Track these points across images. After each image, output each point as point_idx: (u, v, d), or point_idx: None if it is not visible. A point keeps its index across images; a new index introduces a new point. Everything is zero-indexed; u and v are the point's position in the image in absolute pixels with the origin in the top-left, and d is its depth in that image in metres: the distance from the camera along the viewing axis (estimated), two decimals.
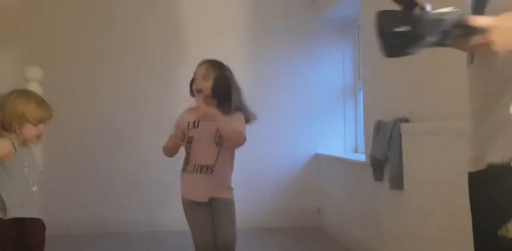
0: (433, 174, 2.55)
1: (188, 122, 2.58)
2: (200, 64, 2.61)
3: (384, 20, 1.20)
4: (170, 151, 2.61)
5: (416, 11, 1.19)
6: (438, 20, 1.10)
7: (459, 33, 1.10)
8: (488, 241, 1.22)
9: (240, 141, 2.52)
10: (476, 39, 1.10)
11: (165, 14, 4.40)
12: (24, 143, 2.34)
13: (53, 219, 2.73)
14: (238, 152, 4.37)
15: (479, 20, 1.09)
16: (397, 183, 2.82)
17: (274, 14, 4.34)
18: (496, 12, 1.12)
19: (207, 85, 2.53)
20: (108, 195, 4.28)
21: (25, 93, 2.36)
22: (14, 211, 2.29)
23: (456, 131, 2.35)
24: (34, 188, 2.35)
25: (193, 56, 4.27)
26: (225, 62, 2.64)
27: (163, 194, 4.23)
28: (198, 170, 2.53)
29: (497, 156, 1.17)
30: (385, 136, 2.90)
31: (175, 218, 3.92)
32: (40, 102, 2.35)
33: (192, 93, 2.61)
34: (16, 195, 2.30)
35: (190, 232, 2.55)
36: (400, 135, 2.81)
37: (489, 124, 1.20)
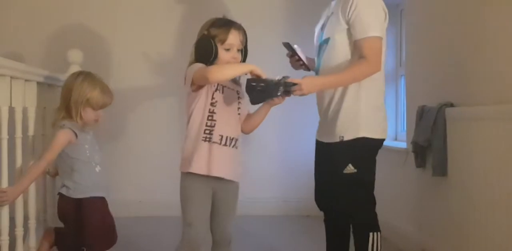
0: (479, 161, 2.48)
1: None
2: (235, 28, 2.25)
3: (250, 81, 2.15)
4: (228, 73, 2.14)
5: (267, 79, 2.15)
6: (277, 82, 2.14)
7: (287, 87, 2.17)
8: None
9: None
10: (295, 89, 2.19)
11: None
12: (84, 126, 2.38)
13: None
14: (277, 139, 4.44)
15: (294, 80, 2.19)
16: (441, 169, 2.76)
17: None
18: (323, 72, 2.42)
19: (240, 57, 2.27)
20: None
21: (91, 78, 2.40)
22: (78, 192, 2.34)
23: (504, 116, 2.29)
24: (97, 169, 2.41)
25: None
26: None
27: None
28: (227, 142, 2.20)
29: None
30: (429, 121, 2.83)
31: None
32: (105, 88, 2.40)
33: (211, 54, 2.21)
34: (81, 177, 2.35)
35: (184, 215, 2.20)
36: (445, 120, 2.74)
37: None
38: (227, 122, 2.22)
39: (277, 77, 2.14)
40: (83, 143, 2.38)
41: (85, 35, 4.39)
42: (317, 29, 2.58)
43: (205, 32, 2.25)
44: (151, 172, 4.38)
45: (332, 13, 2.44)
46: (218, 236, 2.28)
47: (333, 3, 2.52)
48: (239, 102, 2.30)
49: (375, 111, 2.39)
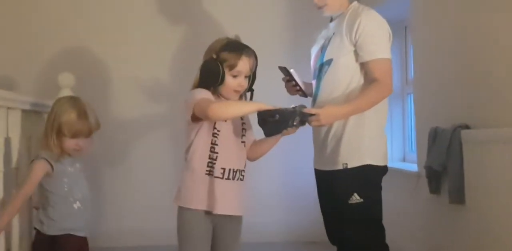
0: (500, 187, 2.28)
1: None
2: (247, 55, 2.10)
3: (262, 113, 1.99)
4: (234, 112, 2.00)
5: (281, 108, 1.99)
6: (292, 111, 2.00)
7: (304, 117, 2.03)
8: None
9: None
10: (312, 119, 2.08)
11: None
12: (64, 156, 2.19)
13: None
14: (275, 163, 4.23)
15: (312, 110, 2.10)
16: (458, 196, 2.55)
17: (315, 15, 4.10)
18: (321, 103, 2.28)
19: (246, 84, 2.13)
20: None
21: (72, 102, 2.23)
22: (52, 228, 2.18)
23: None
24: (76, 205, 2.22)
25: None
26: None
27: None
28: (229, 175, 2.05)
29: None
30: (443, 144, 2.64)
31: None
32: (83, 114, 2.19)
33: (217, 79, 2.06)
34: (55, 212, 2.18)
35: None
36: (461, 143, 2.55)
37: None
38: (231, 154, 2.07)
39: (292, 106, 2.02)
40: (61, 176, 2.20)
41: (81, 60, 4.23)
42: (315, 50, 2.46)
43: (214, 56, 2.09)
44: (151, 200, 4.18)
45: (334, 33, 2.34)
46: None
47: (331, 24, 2.41)
48: (243, 130, 2.14)
49: (379, 137, 2.30)
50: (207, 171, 2.03)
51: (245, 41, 2.17)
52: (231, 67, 2.06)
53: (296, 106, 2.02)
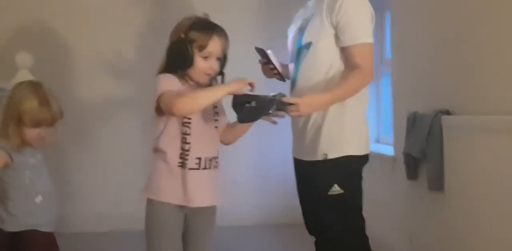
0: (480, 175, 2.23)
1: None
2: (218, 34, 1.92)
3: (238, 98, 1.87)
4: (201, 103, 1.83)
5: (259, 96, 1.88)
6: (271, 99, 1.88)
7: (282, 106, 1.92)
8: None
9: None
10: (291, 109, 1.96)
11: None
12: (24, 146, 2.02)
13: None
14: (250, 146, 4.11)
15: (291, 99, 1.97)
16: (437, 183, 2.49)
17: None
18: (300, 89, 2.18)
19: (218, 67, 1.95)
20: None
21: (33, 88, 2.03)
22: (13, 224, 2.02)
23: (508, 127, 2.04)
24: (38, 199, 2.05)
25: None
26: None
27: None
28: (206, 164, 1.91)
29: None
30: (423, 130, 2.56)
31: None
32: (44, 101, 2.00)
33: (186, 61, 1.89)
34: (15, 207, 2.02)
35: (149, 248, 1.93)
36: (441, 130, 2.47)
37: None
38: (204, 142, 1.93)
39: (271, 94, 1.90)
40: (22, 168, 2.02)
41: (39, 37, 3.98)
42: (292, 31, 2.31)
43: (182, 35, 1.90)
44: (120, 184, 4.03)
45: (313, 14, 2.19)
46: None
47: (310, 3, 2.27)
48: (215, 114, 1.99)
49: (360, 126, 2.19)
50: (179, 163, 1.89)
51: (216, 19, 1.99)
52: (201, 48, 1.89)
53: (276, 95, 1.90)
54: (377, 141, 3.96)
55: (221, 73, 2.00)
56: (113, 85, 4.06)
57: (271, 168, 4.19)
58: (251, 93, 1.89)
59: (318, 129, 2.15)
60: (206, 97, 1.84)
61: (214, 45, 1.91)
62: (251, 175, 4.24)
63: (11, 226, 2.01)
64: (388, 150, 3.40)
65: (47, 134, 2.05)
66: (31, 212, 2.04)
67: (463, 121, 2.35)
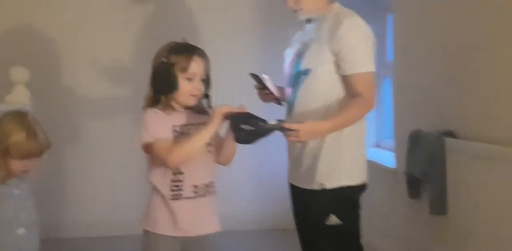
0: (484, 202, 2.18)
1: (174, 127, 1.88)
2: (198, 55, 1.90)
3: (236, 118, 1.84)
4: (192, 153, 1.83)
5: (259, 122, 1.85)
6: (271, 127, 1.87)
7: (282, 132, 1.92)
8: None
9: (234, 157, 2.01)
10: (291, 134, 1.93)
11: None
12: (6, 179, 1.95)
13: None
14: (247, 152, 4.01)
15: (292, 126, 1.92)
16: (440, 207, 2.43)
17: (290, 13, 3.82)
18: (299, 115, 2.12)
19: (203, 88, 1.91)
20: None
21: (19, 120, 1.94)
22: None
23: None
24: (20, 231, 1.97)
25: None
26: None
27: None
28: (201, 192, 1.89)
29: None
30: (426, 151, 2.48)
31: None
32: (32, 133, 1.92)
33: (171, 85, 1.85)
34: None
35: None
36: (445, 152, 2.39)
37: None
38: (199, 168, 1.89)
39: (271, 121, 1.87)
40: (6, 200, 1.95)
41: (32, 39, 3.86)
42: (290, 55, 2.22)
43: (164, 59, 1.87)
44: (116, 190, 3.98)
45: (312, 39, 2.11)
46: None
47: (308, 27, 2.18)
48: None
49: (358, 155, 2.14)
50: (172, 195, 1.86)
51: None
52: (184, 69, 1.86)
53: (275, 123, 1.88)
54: (377, 146, 3.88)
55: (206, 95, 1.95)
56: (109, 90, 3.96)
57: (268, 173, 4.12)
58: (249, 112, 1.87)
59: (315, 157, 2.09)
60: (196, 144, 1.83)
61: (196, 66, 1.88)
62: (248, 180, 4.18)
63: None
64: (388, 157, 3.31)
65: (34, 165, 1.98)
66: (12, 244, 1.97)
67: (468, 148, 2.27)
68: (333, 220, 2.05)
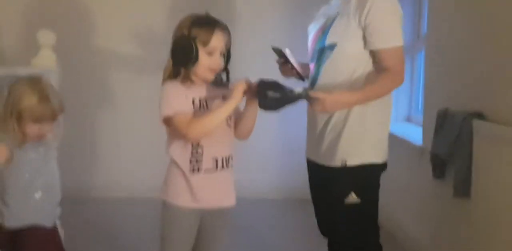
0: (508, 185, 2.10)
1: (193, 99, 1.88)
2: (220, 29, 1.88)
3: (264, 85, 1.84)
4: (211, 127, 1.83)
5: (285, 89, 1.85)
6: (298, 95, 1.87)
7: (308, 100, 1.94)
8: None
9: (252, 131, 2.00)
10: (316, 103, 1.93)
11: None
12: (26, 142, 1.99)
13: None
14: (271, 121, 4.01)
15: (318, 94, 1.93)
16: (463, 190, 2.37)
17: None
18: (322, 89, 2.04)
19: (222, 63, 1.91)
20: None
21: (31, 84, 1.98)
22: (12, 220, 2.00)
23: None
24: (37, 195, 2.03)
25: None
26: None
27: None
28: (221, 164, 1.91)
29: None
30: (452, 132, 2.41)
31: None
32: (44, 97, 1.95)
33: (191, 57, 1.84)
34: (15, 203, 2.00)
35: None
36: (472, 135, 2.31)
37: None
38: (219, 140, 1.90)
39: (297, 89, 1.88)
40: (22, 163, 1.99)
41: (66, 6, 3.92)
42: (314, 29, 2.18)
43: (185, 32, 1.86)
44: (141, 152, 4.08)
45: (339, 13, 2.06)
46: None
47: (334, 1, 2.15)
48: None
49: (382, 131, 2.11)
50: (191, 167, 1.88)
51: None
52: (205, 43, 1.85)
53: (303, 90, 1.89)
54: (409, 120, 3.80)
55: (225, 69, 1.95)
56: (138, 53, 4.00)
57: (291, 142, 4.10)
58: (276, 80, 1.87)
59: (339, 133, 2.07)
60: (216, 118, 1.83)
61: (217, 40, 1.87)
62: (271, 148, 4.18)
63: (11, 221, 2.00)
64: (416, 134, 3.24)
65: (49, 129, 2.01)
66: (30, 207, 2.02)
67: (496, 131, 2.19)
68: (352, 198, 2.04)
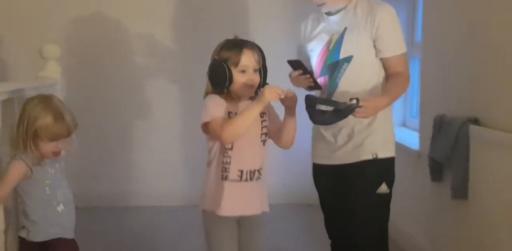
0: (505, 189, 2.20)
1: (229, 113, 2.03)
2: (248, 48, 2.04)
3: (312, 100, 2.05)
4: (241, 128, 1.96)
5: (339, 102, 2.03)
6: (349, 106, 2.02)
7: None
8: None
9: (294, 140, 2.14)
10: (358, 111, 2.06)
11: None
12: (41, 159, 2.07)
13: None
14: None
15: (364, 103, 2.07)
16: (461, 192, 2.48)
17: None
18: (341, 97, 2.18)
19: (258, 78, 2.06)
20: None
21: (45, 103, 2.06)
22: (38, 234, 2.09)
23: None
24: (59, 208, 2.13)
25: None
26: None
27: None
28: (247, 176, 2.05)
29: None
30: (449, 137, 2.51)
31: None
32: (59, 116, 2.04)
33: (225, 79, 2.00)
34: (39, 218, 2.09)
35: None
36: (468, 139, 2.42)
37: None
38: (246, 155, 2.06)
39: (353, 101, 2.03)
40: (42, 178, 2.09)
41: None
42: (319, 46, 2.32)
43: (216, 56, 2.06)
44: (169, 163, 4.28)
45: (346, 28, 2.24)
46: None
47: (334, 18, 2.30)
48: (263, 122, 2.10)
49: (393, 128, 2.37)
50: (222, 175, 2.05)
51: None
52: (236, 63, 2.02)
53: (354, 101, 2.03)
54: (404, 125, 3.90)
55: (264, 84, 2.08)
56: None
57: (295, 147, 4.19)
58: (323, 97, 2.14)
59: (369, 130, 2.26)
60: (244, 120, 1.96)
61: (246, 59, 2.02)
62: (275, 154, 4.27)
63: (37, 236, 2.09)
64: (413, 138, 3.34)
65: (64, 146, 2.09)
66: (54, 221, 2.11)
67: (492, 136, 2.29)
68: (383, 188, 2.24)
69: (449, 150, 2.52)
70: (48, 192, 2.10)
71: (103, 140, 4.18)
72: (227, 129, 1.95)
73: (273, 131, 2.12)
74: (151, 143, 4.25)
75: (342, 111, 2.01)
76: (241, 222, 2.11)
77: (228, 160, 2.04)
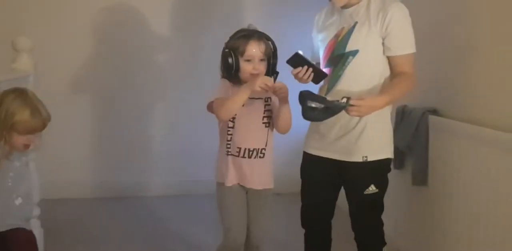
0: (461, 175, 2.37)
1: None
2: (254, 39, 2.18)
3: (306, 96, 2.05)
4: (232, 108, 2.13)
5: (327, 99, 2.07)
6: (340, 105, 2.05)
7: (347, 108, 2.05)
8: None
9: (290, 127, 2.27)
10: (352, 109, 2.05)
11: None
12: (10, 152, 2.11)
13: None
14: None
15: (357, 102, 2.04)
16: (421, 178, 2.63)
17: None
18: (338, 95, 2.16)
19: (263, 67, 2.19)
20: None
21: (23, 98, 2.09)
22: None
23: (492, 141, 2.14)
24: (18, 201, 2.17)
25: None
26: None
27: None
28: (245, 154, 2.22)
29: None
30: (411, 126, 2.66)
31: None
32: (36, 111, 2.08)
33: (232, 67, 2.17)
34: None
35: (223, 221, 2.30)
36: (428, 128, 2.57)
37: None
38: (246, 135, 2.23)
39: (343, 100, 2.05)
40: (6, 172, 2.13)
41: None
42: (328, 38, 2.31)
43: (225, 46, 2.23)
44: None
45: (357, 23, 2.22)
46: (253, 239, 2.34)
47: (346, 11, 2.28)
48: (266, 106, 2.25)
49: (391, 129, 2.32)
50: (227, 151, 2.25)
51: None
52: (242, 53, 2.18)
53: (346, 100, 2.04)
54: None
55: (273, 72, 2.24)
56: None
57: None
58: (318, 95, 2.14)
59: (360, 131, 2.23)
60: (233, 102, 2.13)
61: (251, 49, 2.18)
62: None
63: None
64: None
65: (35, 139, 2.13)
66: (12, 213, 2.15)
67: (450, 126, 2.44)
68: (371, 189, 2.27)
69: (410, 139, 2.66)
70: (10, 184, 2.14)
71: (135, 122, 4.18)
72: (221, 109, 2.14)
73: (272, 117, 2.27)
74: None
75: (331, 109, 2.04)
76: (249, 193, 2.29)
77: (230, 137, 2.23)
